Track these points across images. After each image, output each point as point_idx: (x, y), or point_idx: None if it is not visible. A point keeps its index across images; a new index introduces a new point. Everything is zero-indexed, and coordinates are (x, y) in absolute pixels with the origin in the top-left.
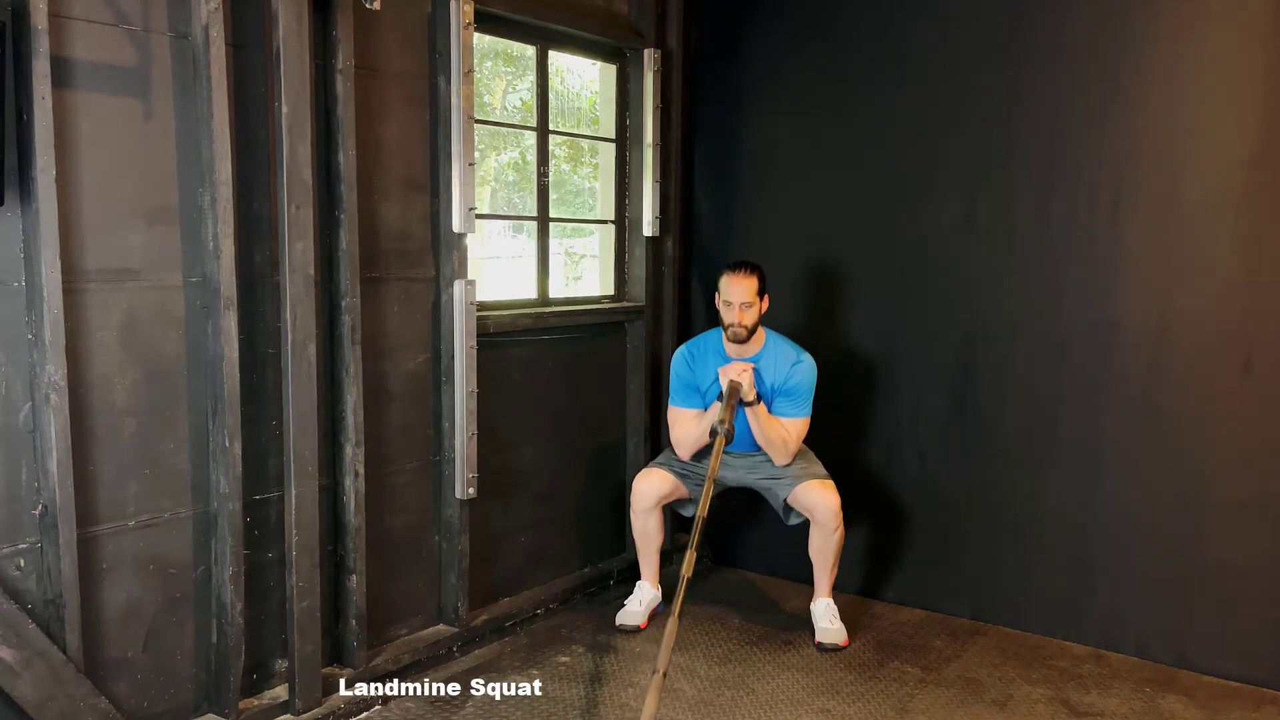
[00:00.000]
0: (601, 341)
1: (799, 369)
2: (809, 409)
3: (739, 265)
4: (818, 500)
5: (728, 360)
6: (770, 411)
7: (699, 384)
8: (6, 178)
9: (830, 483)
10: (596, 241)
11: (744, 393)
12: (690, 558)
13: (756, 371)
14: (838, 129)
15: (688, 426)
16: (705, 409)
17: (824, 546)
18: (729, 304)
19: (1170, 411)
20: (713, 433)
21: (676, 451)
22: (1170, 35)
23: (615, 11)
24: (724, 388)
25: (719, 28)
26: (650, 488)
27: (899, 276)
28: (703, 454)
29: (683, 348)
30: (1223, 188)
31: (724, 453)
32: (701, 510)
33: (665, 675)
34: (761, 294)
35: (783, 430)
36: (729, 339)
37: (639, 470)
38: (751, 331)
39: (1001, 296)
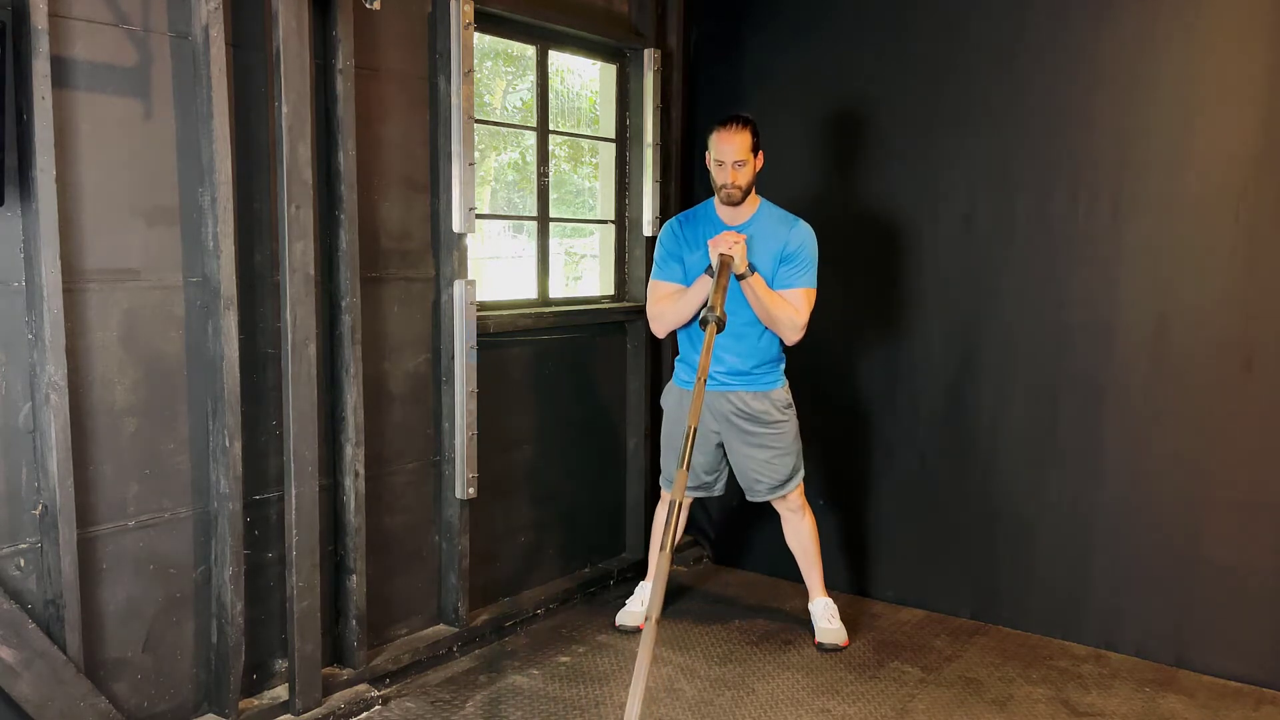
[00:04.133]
0: (601, 341)
1: (799, 231)
2: (814, 277)
3: (730, 119)
4: (775, 503)
5: (721, 226)
6: (773, 285)
7: (684, 253)
8: (6, 178)
9: (794, 492)
10: (596, 241)
11: (736, 265)
12: (682, 477)
13: (751, 240)
14: (837, 128)
15: (666, 301)
16: (688, 285)
17: (797, 532)
18: (720, 163)
19: (1170, 411)
20: (703, 321)
21: (651, 327)
22: (1170, 34)
23: (615, 11)
24: (713, 262)
25: (719, 28)
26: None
27: (899, 275)
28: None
29: (673, 218)
30: (1223, 187)
31: (713, 390)
32: (692, 420)
33: (658, 622)
34: (755, 150)
35: (786, 305)
36: (722, 201)
37: (639, 470)
38: (746, 193)
39: (1001, 296)
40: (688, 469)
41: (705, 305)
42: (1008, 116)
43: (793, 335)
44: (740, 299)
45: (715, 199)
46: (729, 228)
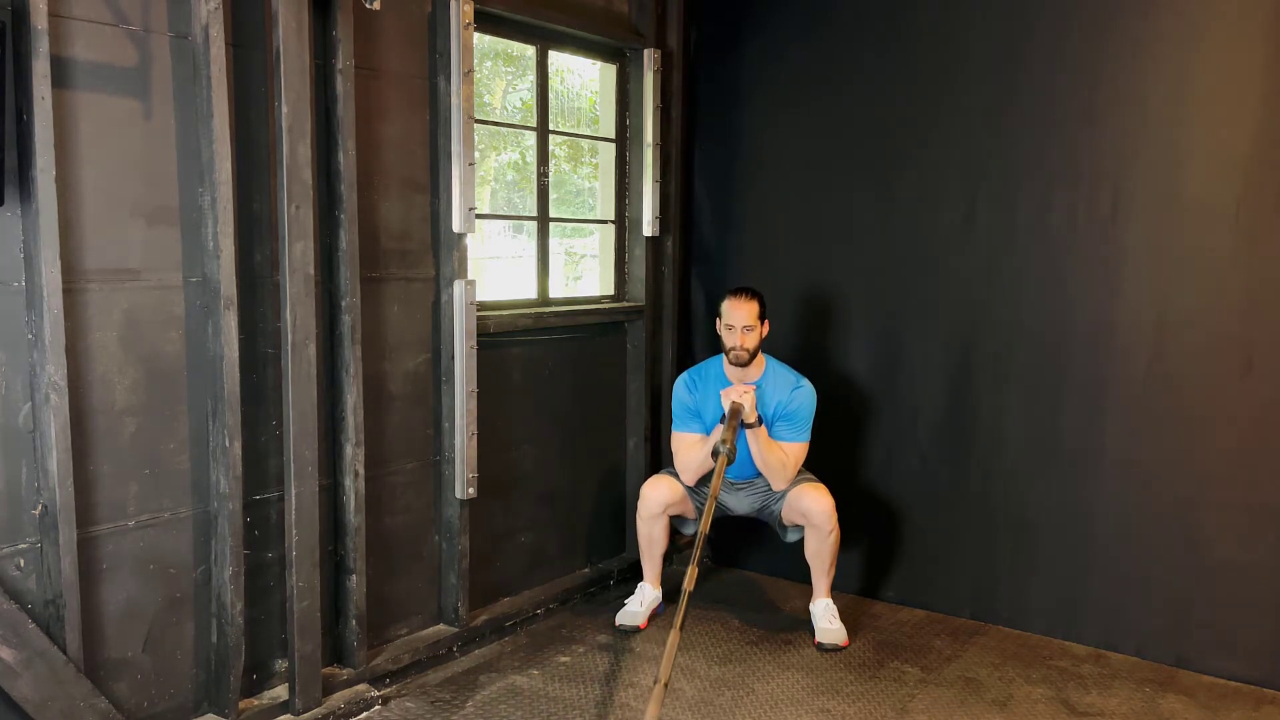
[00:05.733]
0: (601, 341)
1: (799, 394)
2: (808, 434)
3: (740, 290)
4: (811, 504)
5: (729, 385)
6: (770, 436)
7: (700, 410)
8: (6, 178)
9: (822, 486)
10: (596, 241)
11: (745, 414)
12: (692, 572)
13: (758, 394)
14: (838, 128)
15: (691, 452)
16: (707, 434)
17: (820, 549)
18: (730, 327)
19: (1170, 411)
20: (715, 453)
21: (681, 478)
22: (1170, 34)
23: (615, 11)
24: (726, 409)
25: (719, 28)
26: (659, 495)
27: (899, 276)
28: (706, 479)
29: (684, 375)
30: (1222, 187)
31: (726, 477)
32: (703, 528)
33: (667, 686)
34: (762, 318)
35: (782, 454)
36: (731, 362)
37: (639, 470)
38: (753, 355)
39: (1001, 296)
40: (696, 565)
41: (719, 440)
42: (1008, 116)
43: (780, 484)
44: (743, 440)
45: (724, 360)
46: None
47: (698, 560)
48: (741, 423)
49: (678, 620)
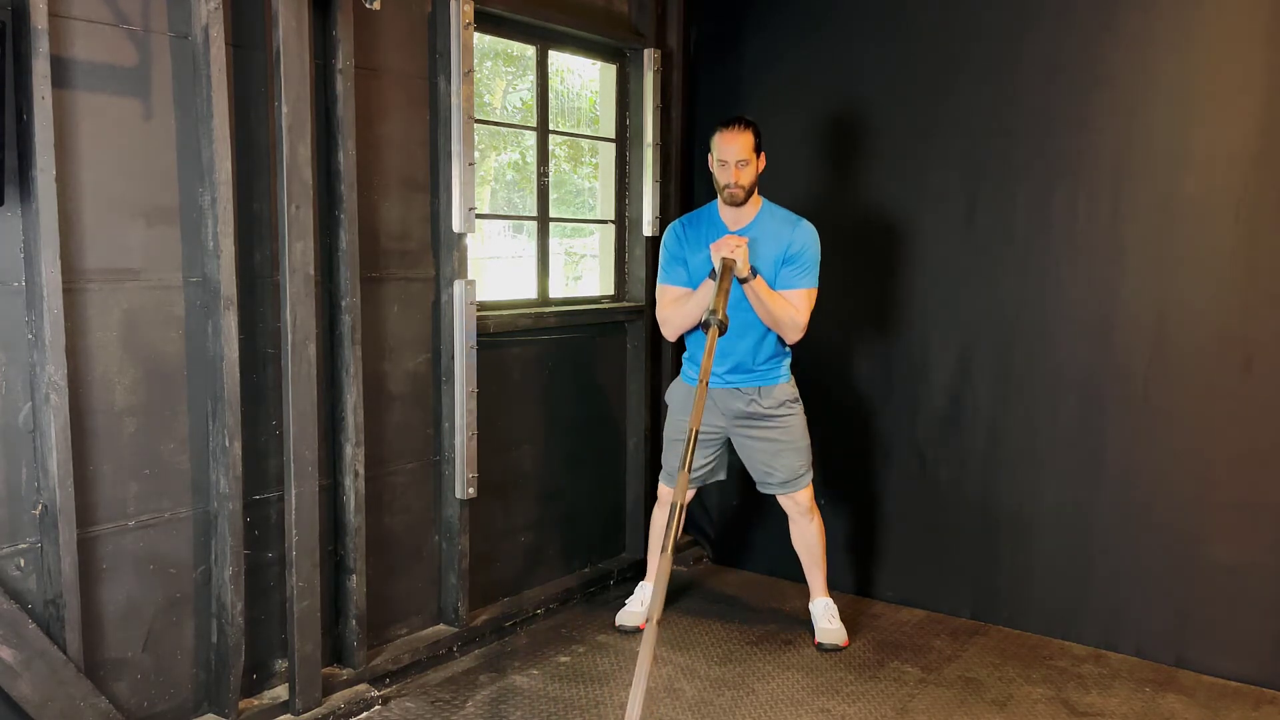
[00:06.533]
0: (601, 341)
1: (800, 233)
2: (815, 278)
3: (732, 120)
4: (787, 497)
5: (724, 229)
6: (775, 286)
7: (687, 255)
8: (6, 178)
9: (808, 490)
10: (596, 241)
11: (738, 269)
12: (683, 479)
13: (753, 243)
14: (837, 128)
15: (673, 306)
16: (693, 288)
17: (804, 535)
18: (724, 163)
19: (1169, 411)
20: (705, 324)
21: (662, 331)
22: (1170, 34)
23: (615, 11)
24: (715, 266)
25: (719, 27)
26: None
27: (898, 275)
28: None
29: (676, 221)
30: (1222, 187)
31: (719, 387)
32: (694, 424)
33: (659, 624)
34: (758, 151)
35: (788, 305)
36: (725, 201)
37: (639, 470)
38: (749, 193)
39: (1001, 296)
40: (689, 471)
41: (709, 308)
42: (1008, 116)
43: (793, 335)
44: (743, 299)
45: (718, 200)
46: (732, 230)
47: (689, 465)
48: (735, 279)
49: (669, 544)
